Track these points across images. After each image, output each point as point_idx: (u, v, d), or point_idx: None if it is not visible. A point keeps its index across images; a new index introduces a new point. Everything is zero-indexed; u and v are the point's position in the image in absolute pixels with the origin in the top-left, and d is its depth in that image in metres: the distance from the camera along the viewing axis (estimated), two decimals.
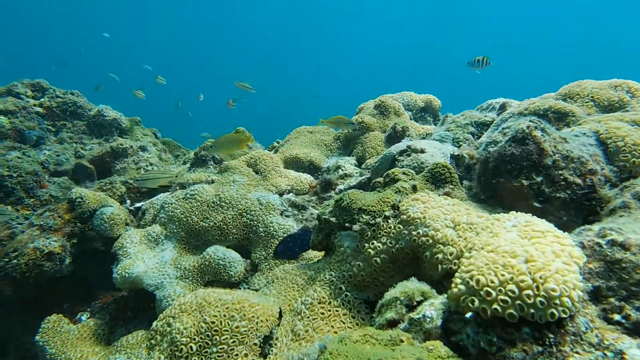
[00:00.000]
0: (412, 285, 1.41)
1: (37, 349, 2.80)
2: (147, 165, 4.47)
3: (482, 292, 1.24)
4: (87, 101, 5.01)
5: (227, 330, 1.73)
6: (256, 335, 1.76)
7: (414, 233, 1.67)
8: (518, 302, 1.18)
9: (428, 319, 1.30)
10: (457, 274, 1.37)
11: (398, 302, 1.38)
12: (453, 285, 1.35)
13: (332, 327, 1.73)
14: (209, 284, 2.82)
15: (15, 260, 2.74)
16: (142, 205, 3.77)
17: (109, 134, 4.92)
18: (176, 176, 3.34)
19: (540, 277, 1.18)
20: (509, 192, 1.86)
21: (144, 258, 2.92)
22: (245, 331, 1.75)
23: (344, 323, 1.74)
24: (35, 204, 3.30)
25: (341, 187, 3.42)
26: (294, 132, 4.49)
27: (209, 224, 3.02)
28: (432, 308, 1.33)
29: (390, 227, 1.78)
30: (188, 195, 3.19)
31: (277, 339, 1.81)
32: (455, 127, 3.58)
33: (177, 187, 3.45)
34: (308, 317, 1.80)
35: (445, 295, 1.40)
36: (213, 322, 1.75)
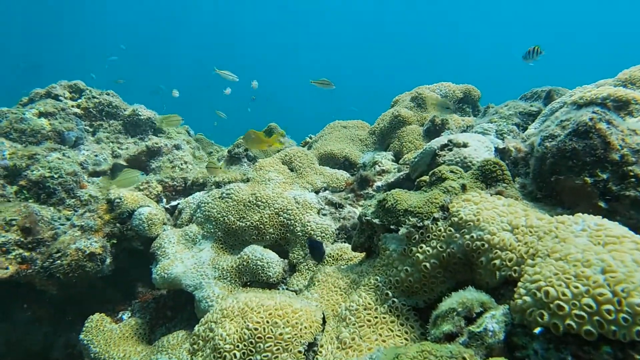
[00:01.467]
0: (470, 295, 1.31)
1: (82, 347, 2.85)
2: (182, 164, 4.48)
3: (552, 306, 1.13)
4: (122, 101, 5.07)
5: (271, 337, 1.68)
6: (300, 342, 1.70)
7: (467, 237, 1.56)
8: (596, 317, 1.06)
9: (490, 333, 1.20)
10: (520, 284, 1.26)
11: (455, 313, 1.28)
12: (516, 295, 1.24)
13: (380, 335, 1.65)
14: (248, 284, 2.79)
15: (58, 261, 2.79)
16: (179, 203, 3.78)
17: (143, 133, 4.97)
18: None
19: (623, 291, 1.06)
20: (570, 190, 1.72)
21: (183, 258, 2.92)
22: (289, 338, 1.68)
23: (392, 331, 1.65)
24: (76, 205, 3.35)
25: (379, 183, 3.32)
26: (327, 127, 4.40)
27: (246, 224, 2.98)
28: (494, 321, 1.23)
29: (440, 230, 1.67)
30: (224, 195, 3.16)
31: (321, 346, 1.74)
32: (498, 118, 3.41)
33: (213, 186, 3.44)
34: (354, 324, 1.72)
35: (506, 306, 1.29)
36: (256, 329, 1.70)
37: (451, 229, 1.64)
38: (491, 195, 1.76)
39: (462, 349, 1.13)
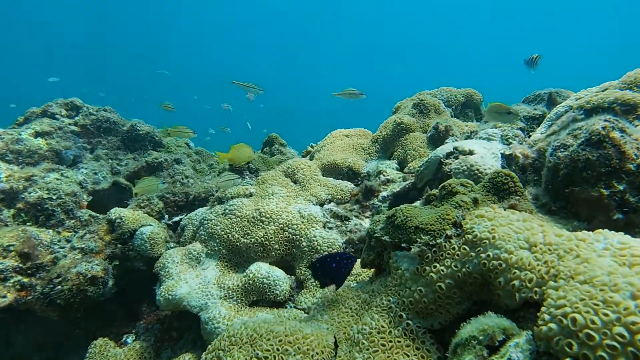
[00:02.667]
0: (491, 322, 1.24)
1: None
2: (182, 178, 4.43)
3: (581, 335, 1.06)
4: (120, 116, 5.03)
5: None
6: None
7: (483, 256, 1.50)
8: (631, 349, 1.00)
9: None
10: (544, 308, 1.20)
11: (476, 342, 1.22)
12: (541, 321, 1.18)
13: None
14: (254, 303, 2.73)
15: (59, 287, 2.72)
16: (181, 219, 3.72)
17: (142, 148, 4.92)
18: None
19: None
20: (586, 202, 1.66)
21: (187, 278, 2.85)
22: None
23: (407, 356, 1.59)
24: (76, 226, 3.29)
25: (384, 193, 3.26)
26: (329, 136, 4.35)
27: (251, 240, 2.92)
28: (518, 350, 1.16)
29: (454, 249, 1.61)
30: (227, 211, 3.10)
31: None
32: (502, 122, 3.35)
33: (215, 202, 3.38)
34: (367, 349, 1.65)
35: (529, 332, 1.23)
36: (266, 357, 1.63)
37: (466, 247, 1.58)
38: (505, 210, 1.70)
39: None
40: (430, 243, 1.69)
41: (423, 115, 3.86)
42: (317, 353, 1.68)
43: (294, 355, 1.64)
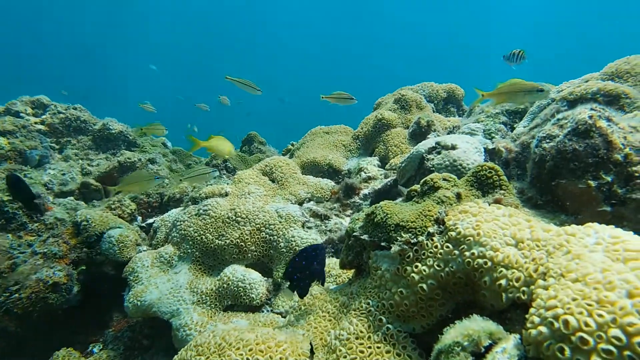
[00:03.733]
0: (477, 326, 1.14)
1: None
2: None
3: (574, 339, 0.96)
4: (92, 115, 4.82)
5: None
6: None
7: (467, 254, 1.40)
8: (627, 353, 0.90)
9: None
10: (533, 310, 1.10)
11: (460, 348, 1.11)
12: (530, 324, 1.08)
13: None
14: (229, 308, 2.59)
15: (16, 295, 2.54)
16: (154, 222, 3.55)
17: (116, 148, 4.72)
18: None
19: None
20: (573, 195, 1.57)
21: (157, 283, 2.70)
22: None
23: None
24: (40, 229, 3.10)
25: (365, 191, 3.15)
26: (308, 133, 4.22)
27: (225, 242, 2.78)
28: (506, 356, 1.06)
29: (436, 247, 1.50)
30: (201, 212, 2.95)
31: None
32: (485, 117, 3.28)
33: (189, 202, 3.22)
34: (345, 357, 1.53)
35: (517, 336, 1.12)
36: None
37: (449, 245, 1.47)
38: (489, 205, 1.60)
39: None
40: (412, 241, 1.58)
41: (405, 110, 3.77)
42: None
43: None
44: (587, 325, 0.96)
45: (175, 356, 1.76)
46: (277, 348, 1.57)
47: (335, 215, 3.05)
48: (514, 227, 1.40)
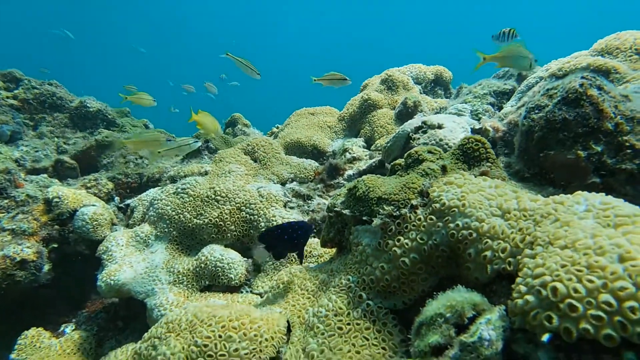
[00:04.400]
0: (460, 297, 1.07)
1: None
2: (136, 159, 4.11)
3: (562, 306, 0.90)
4: (68, 92, 4.64)
5: (224, 355, 1.40)
6: (260, 358, 1.44)
7: (452, 226, 1.33)
8: (618, 318, 0.84)
9: (486, 343, 0.97)
10: (519, 279, 1.04)
11: (443, 320, 1.04)
12: (515, 294, 1.02)
13: (354, 345, 1.40)
14: (207, 288, 2.50)
15: None
16: (131, 202, 3.43)
17: (94, 127, 4.56)
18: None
19: None
20: (562, 166, 1.51)
21: (132, 262, 2.59)
22: (246, 354, 1.42)
23: (367, 340, 1.41)
24: (10, 206, 2.96)
25: (350, 172, 3.08)
26: (293, 114, 4.12)
27: (204, 221, 2.68)
28: (490, 327, 0.99)
29: (419, 220, 1.43)
30: (179, 190, 2.85)
31: None
32: (472, 98, 3.22)
33: (168, 180, 3.11)
34: (323, 334, 1.46)
35: (502, 307, 1.06)
36: (206, 345, 1.42)
37: (432, 217, 1.40)
38: (475, 177, 1.54)
39: None
40: (394, 214, 1.50)
41: (391, 91, 3.69)
42: (265, 339, 1.47)
43: (239, 342, 1.43)
44: (576, 291, 0.90)
45: (146, 333, 1.67)
46: (252, 325, 1.49)
47: (318, 196, 2.97)
48: (500, 198, 1.34)
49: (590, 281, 0.90)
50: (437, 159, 1.70)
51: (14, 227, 2.66)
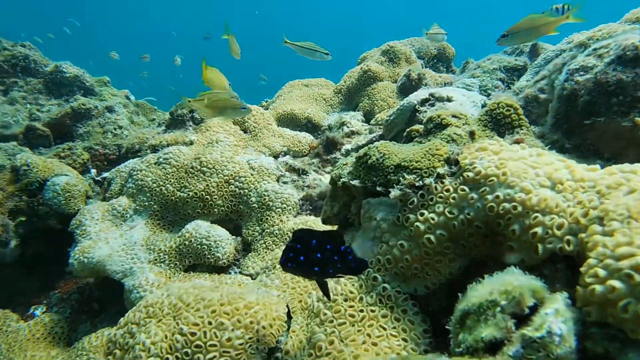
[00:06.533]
0: (517, 281, 0.86)
1: None
2: (115, 128, 3.81)
3: None
4: (42, 55, 4.27)
5: (215, 345, 1.18)
6: (257, 349, 1.22)
7: (490, 198, 1.12)
8: None
9: (557, 339, 0.76)
10: (593, 260, 0.83)
11: (498, 309, 0.83)
12: (590, 278, 0.81)
13: (369, 335, 1.19)
14: (191, 268, 2.27)
15: None
16: (108, 174, 3.14)
17: (70, 94, 4.22)
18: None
19: None
20: (614, 136, 1.31)
21: (108, 238, 2.34)
22: (240, 344, 1.20)
23: (384, 329, 1.20)
24: None
25: (348, 146, 2.85)
26: (286, 85, 3.86)
27: (188, 194, 2.43)
28: (560, 319, 0.79)
29: (448, 191, 1.22)
30: (161, 160, 2.58)
31: (286, 353, 1.27)
32: (481, 72, 3.01)
33: (149, 150, 2.84)
34: (331, 322, 1.25)
35: (565, 295, 0.86)
36: (194, 334, 1.19)
37: (464, 187, 1.19)
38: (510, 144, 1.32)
39: None
40: (416, 184, 1.28)
41: (393, 63, 3.45)
42: (263, 327, 1.25)
43: (232, 330, 1.21)
44: None
45: (122, 318, 1.44)
46: (247, 310, 1.27)
47: (314, 171, 2.74)
48: (548, 167, 1.13)
49: None
50: (463, 124, 1.48)
51: None
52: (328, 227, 2.19)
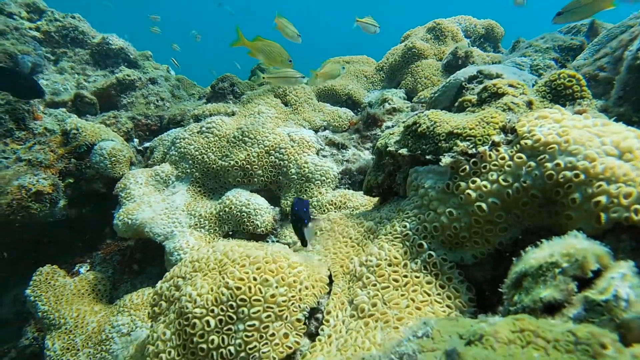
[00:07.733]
0: (579, 244, 0.82)
1: (28, 304, 2.37)
2: (157, 100, 3.89)
3: None
4: (91, 27, 4.39)
5: (259, 300, 1.19)
6: (299, 307, 1.23)
7: (549, 165, 1.07)
8: None
9: (623, 303, 0.72)
10: None
11: (559, 270, 0.80)
12: None
13: (412, 300, 1.17)
14: (229, 235, 2.30)
15: None
16: (151, 143, 3.22)
17: (114, 65, 4.33)
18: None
19: None
20: None
21: (151, 202, 2.40)
22: (283, 302, 1.21)
23: (428, 295, 1.18)
24: (27, 137, 2.78)
25: (388, 123, 2.81)
26: (327, 62, 3.81)
27: (229, 163, 2.46)
28: (627, 284, 0.75)
29: (503, 159, 1.18)
30: (204, 129, 2.62)
31: (328, 313, 1.27)
32: (533, 52, 2.88)
33: (191, 119, 2.88)
34: (374, 285, 1.24)
35: (632, 264, 0.81)
36: (239, 288, 1.21)
37: (522, 155, 1.14)
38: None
39: (593, 329, 0.65)
40: (469, 152, 1.24)
41: (439, 41, 3.36)
42: (305, 287, 1.26)
43: (276, 287, 1.22)
44: None
45: (167, 273, 1.48)
46: (291, 269, 1.27)
47: (354, 146, 2.72)
48: (615, 135, 1.07)
49: None
50: (520, 93, 1.42)
51: (30, 157, 2.47)
52: (367, 198, 2.18)
